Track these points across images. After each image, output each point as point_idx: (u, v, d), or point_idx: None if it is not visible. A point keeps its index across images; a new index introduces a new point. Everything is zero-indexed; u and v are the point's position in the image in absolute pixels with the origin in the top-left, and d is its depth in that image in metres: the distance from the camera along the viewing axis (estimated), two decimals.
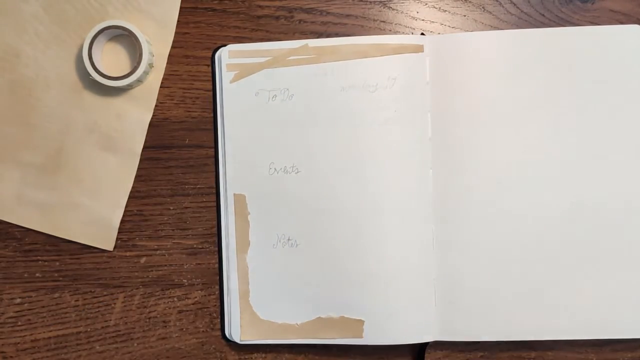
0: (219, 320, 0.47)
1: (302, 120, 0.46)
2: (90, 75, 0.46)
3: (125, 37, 0.48)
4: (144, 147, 0.48)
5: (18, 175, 0.47)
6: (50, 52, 0.47)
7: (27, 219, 0.47)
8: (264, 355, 0.48)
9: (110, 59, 0.48)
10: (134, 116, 0.47)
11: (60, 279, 0.48)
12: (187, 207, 0.48)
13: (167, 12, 0.48)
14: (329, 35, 0.48)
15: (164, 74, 0.48)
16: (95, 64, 0.46)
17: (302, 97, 0.46)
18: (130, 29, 0.46)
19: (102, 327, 0.48)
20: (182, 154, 0.48)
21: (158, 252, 0.48)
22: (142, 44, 0.46)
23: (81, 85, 0.47)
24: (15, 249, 0.48)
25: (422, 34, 0.47)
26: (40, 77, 0.47)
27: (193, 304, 0.48)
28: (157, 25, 0.48)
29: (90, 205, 0.47)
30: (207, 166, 0.48)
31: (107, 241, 0.47)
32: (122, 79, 0.46)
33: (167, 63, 0.48)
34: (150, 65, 0.47)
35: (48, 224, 0.47)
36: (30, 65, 0.47)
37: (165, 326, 0.48)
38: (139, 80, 0.47)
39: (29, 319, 0.48)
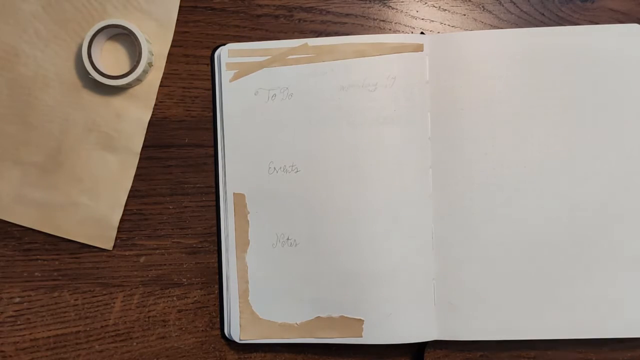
0: (218, 319, 0.47)
1: (302, 119, 0.46)
2: (90, 74, 0.46)
3: (124, 36, 0.48)
4: (144, 146, 0.48)
5: (17, 174, 0.47)
6: (49, 51, 0.47)
7: (26, 218, 0.47)
8: (263, 354, 0.47)
9: (110, 58, 0.48)
10: (134, 115, 0.47)
11: (60, 278, 0.48)
12: (186, 207, 0.48)
13: (167, 11, 0.48)
14: (328, 34, 0.48)
15: (164, 73, 0.48)
16: (95, 62, 0.46)
17: (302, 96, 0.46)
18: (130, 28, 0.46)
19: (102, 327, 0.48)
20: (181, 153, 0.48)
21: (157, 251, 0.48)
22: (142, 43, 0.46)
23: (80, 84, 0.47)
24: (14, 248, 0.48)
25: (422, 33, 0.47)
26: (39, 76, 0.47)
27: (192, 303, 0.48)
28: (157, 24, 0.48)
29: (90, 205, 0.47)
30: (207, 165, 0.48)
31: (106, 240, 0.47)
32: (121, 78, 0.46)
33: (167, 62, 0.48)
34: (150, 64, 0.47)
35: (47, 223, 0.47)
36: (30, 64, 0.47)
37: (165, 325, 0.48)
38: (139, 79, 0.47)
39: (28, 318, 0.48)
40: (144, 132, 0.48)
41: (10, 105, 0.47)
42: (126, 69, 0.46)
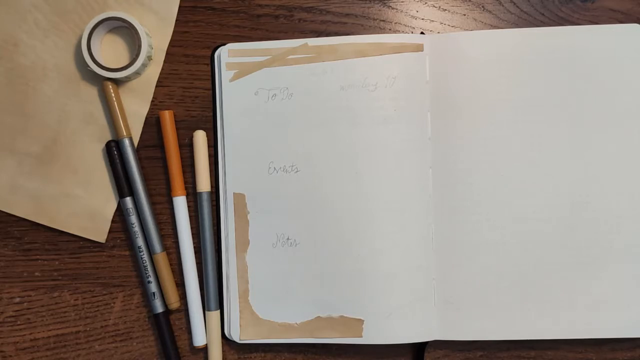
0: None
1: (302, 119, 0.46)
2: (89, 66, 0.46)
3: (124, 29, 0.47)
4: (144, 146, 0.48)
5: (12, 164, 0.47)
6: (48, 42, 0.47)
7: (20, 209, 0.47)
8: (263, 354, 0.47)
9: (109, 51, 0.48)
10: (131, 108, 0.47)
11: (60, 278, 0.48)
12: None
13: (168, 5, 0.48)
14: (328, 34, 0.48)
15: (164, 73, 0.48)
16: (94, 55, 0.46)
17: (302, 96, 0.46)
18: (130, 21, 0.45)
19: (102, 327, 0.48)
20: (181, 153, 0.48)
21: None
22: (142, 37, 0.45)
23: (79, 75, 0.47)
24: (14, 248, 0.48)
25: (422, 33, 0.47)
26: (37, 67, 0.47)
27: None
28: (157, 18, 0.47)
29: (84, 197, 0.47)
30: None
31: (99, 233, 0.47)
32: (120, 71, 0.46)
33: (167, 62, 0.48)
34: (149, 58, 0.47)
35: (41, 214, 0.47)
36: (28, 54, 0.47)
37: None
38: (137, 73, 0.47)
39: (29, 318, 0.48)
40: (142, 125, 0.47)
41: (8, 95, 0.47)
42: (125, 62, 0.46)
